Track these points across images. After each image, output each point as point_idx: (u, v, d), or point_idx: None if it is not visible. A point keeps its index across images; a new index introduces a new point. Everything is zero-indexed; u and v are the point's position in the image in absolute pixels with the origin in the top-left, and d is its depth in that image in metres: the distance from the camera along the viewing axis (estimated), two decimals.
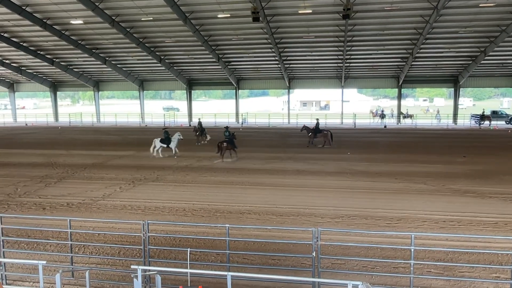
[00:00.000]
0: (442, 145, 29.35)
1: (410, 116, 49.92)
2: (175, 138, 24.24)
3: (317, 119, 30.65)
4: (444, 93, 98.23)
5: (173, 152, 24.19)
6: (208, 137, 30.34)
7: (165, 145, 24.27)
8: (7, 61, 47.65)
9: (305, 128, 29.45)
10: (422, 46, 36.70)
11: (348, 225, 11.77)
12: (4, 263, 8.58)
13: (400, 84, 47.35)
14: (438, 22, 31.96)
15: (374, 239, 10.61)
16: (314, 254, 7.69)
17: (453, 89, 48.59)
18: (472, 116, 48.66)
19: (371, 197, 14.80)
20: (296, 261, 9.53)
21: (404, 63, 41.93)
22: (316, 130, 28.51)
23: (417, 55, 38.94)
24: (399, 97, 50.28)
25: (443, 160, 22.44)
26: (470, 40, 36.45)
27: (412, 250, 7.73)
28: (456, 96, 48.08)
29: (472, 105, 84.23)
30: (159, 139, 24.51)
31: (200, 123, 31.95)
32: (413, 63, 41.25)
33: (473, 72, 42.71)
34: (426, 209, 13.16)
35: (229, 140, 23.07)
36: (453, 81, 46.48)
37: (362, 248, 9.96)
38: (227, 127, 25.04)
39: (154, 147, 24.34)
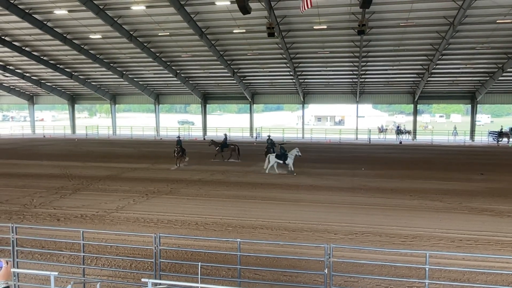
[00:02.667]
0: (459, 162, 28.87)
1: (408, 132, 49.56)
2: (292, 154, 23.15)
3: (225, 134, 31.84)
4: (461, 109, 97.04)
5: (289, 169, 23.07)
6: (187, 158, 26.67)
7: (281, 161, 23.15)
8: (27, 74, 48.85)
9: (212, 142, 29.69)
10: (438, 62, 36.44)
11: (361, 242, 11.59)
12: (18, 274, 8.65)
13: (416, 100, 46.97)
14: (454, 38, 31.76)
15: (388, 257, 10.41)
16: (326, 271, 7.57)
17: (470, 105, 47.98)
18: (490, 133, 47.87)
19: (386, 213, 14.58)
20: (308, 278, 9.40)
21: (420, 79, 41.64)
22: (223, 145, 29.03)
23: (433, 71, 38.65)
24: (415, 113, 49.81)
25: (460, 177, 22.05)
26: (487, 56, 36.09)
27: (427, 269, 7.55)
28: (473, 113, 47.43)
29: (490, 122, 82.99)
30: (275, 154, 23.57)
31: (179, 140, 26.54)
32: (429, 79, 40.93)
33: (490, 88, 42.17)
34: (442, 227, 12.89)
35: (271, 147, 27.49)
36: (470, 97, 45.93)
37: (375, 266, 9.77)
38: (269, 136, 29.93)
39: (269, 163, 23.28)
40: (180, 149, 25.95)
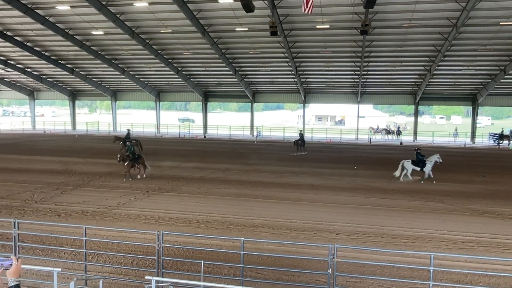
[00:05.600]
0: (460, 163, 28.84)
1: (393, 132, 49.88)
2: (431, 161, 20.89)
3: (128, 129, 33.97)
4: (462, 111, 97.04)
5: (427, 176, 20.87)
6: (149, 168, 21.30)
7: (418, 168, 21.01)
8: (28, 70, 48.78)
9: (117, 138, 30.52)
10: (440, 63, 36.40)
11: (363, 243, 11.56)
12: None
13: (417, 101, 46.94)
14: (457, 39, 31.72)
15: (391, 258, 10.39)
16: (330, 271, 7.54)
17: (471, 107, 47.95)
18: (490, 135, 47.85)
19: (387, 214, 14.56)
20: (310, 278, 9.37)
21: (422, 80, 41.60)
22: (125, 140, 30.45)
23: (435, 72, 38.62)
24: (416, 114, 49.82)
25: (461, 179, 22.02)
26: (489, 58, 36.06)
27: (431, 270, 7.53)
28: (474, 115, 47.38)
29: (490, 124, 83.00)
30: (410, 161, 21.25)
31: (130, 147, 21.66)
32: (430, 80, 40.90)
33: (492, 90, 42.14)
34: (444, 228, 12.87)
35: (301, 140, 33.17)
36: (472, 99, 45.90)
37: (377, 267, 9.74)
38: (301, 130, 35.87)
39: (403, 169, 21.14)
40: (128, 156, 20.35)
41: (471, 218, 14.29)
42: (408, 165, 21.20)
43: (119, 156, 20.68)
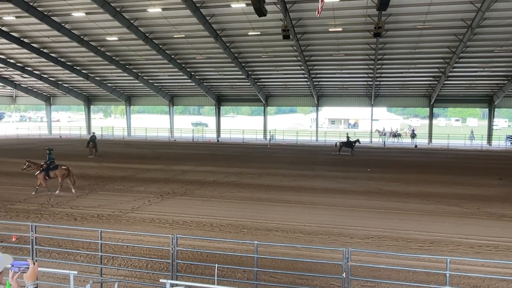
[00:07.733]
0: (476, 166, 28.41)
1: (399, 135, 49.61)
2: None
3: (93, 132, 35.23)
4: (478, 113, 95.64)
5: None
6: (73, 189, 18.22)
7: None
8: (45, 76, 49.65)
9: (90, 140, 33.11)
10: (455, 65, 35.96)
11: (378, 247, 11.45)
12: None
13: (431, 103, 46.39)
14: (472, 41, 31.30)
15: (406, 262, 10.26)
16: (344, 275, 7.49)
17: (487, 109, 47.20)
18: (507, 138, 47.03)
19: (402, 218, 14.40)
20: (324, 282, 9.31)
21: (436, 82, 41.14)
22: (89, 142, 32.59)
23: (450, 74, 38.15)
24: (431, 116, 49.21)
25: (477, 182, 21.68)
26: (506, 59, 35.46)
27: (448, 275, 7.42)
28: (490, 117, 46.61)
29: (507, 126, 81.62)
30: None
31: (49, 154, 18.99)
32: (445, 82, 40.40)
33: (509, 92, 41.43)
34: (460, 232, 12.67)
35: (343, 142, 35.78)
36: (488, 101, 45.18)
37: (392, 271, 9.64)
38: (347, 133, 38.60)
39: None
40: (41, 166, 17.89)
41: (488, 221, 14.05)
42: None
43: (26, 162, 18.03)
